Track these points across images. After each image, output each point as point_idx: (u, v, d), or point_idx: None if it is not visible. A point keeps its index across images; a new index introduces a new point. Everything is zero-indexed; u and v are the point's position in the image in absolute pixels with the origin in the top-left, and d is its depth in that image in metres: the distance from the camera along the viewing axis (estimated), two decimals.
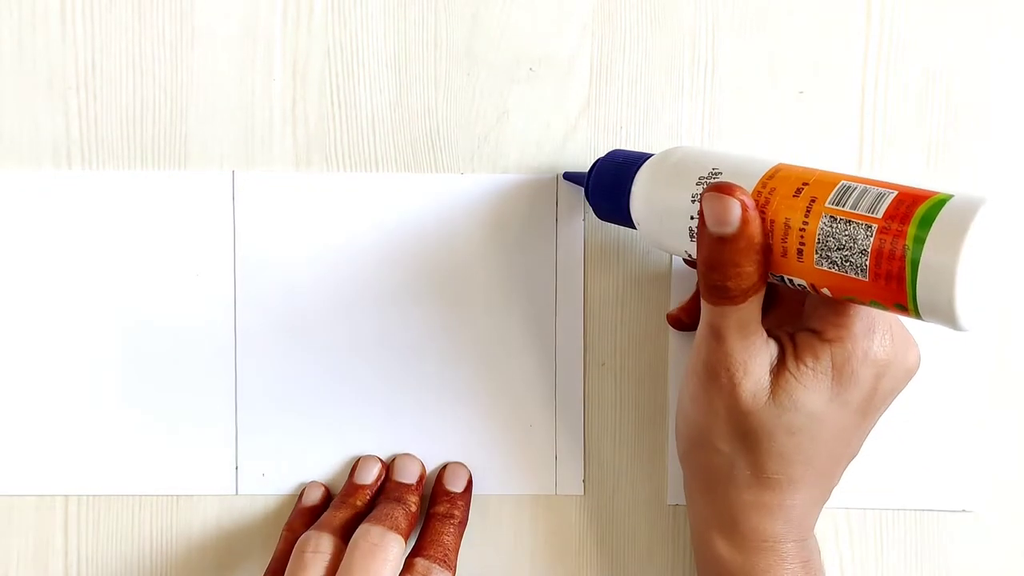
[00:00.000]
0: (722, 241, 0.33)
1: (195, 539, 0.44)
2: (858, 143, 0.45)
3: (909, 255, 0.29)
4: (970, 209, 0.28)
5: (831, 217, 0.31)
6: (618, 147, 0.44)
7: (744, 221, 0.32)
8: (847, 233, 0.30)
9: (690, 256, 0.36)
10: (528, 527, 0.45)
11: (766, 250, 0.33)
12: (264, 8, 0.44)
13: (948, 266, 0.28)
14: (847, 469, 0.38)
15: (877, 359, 0.34)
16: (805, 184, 0.32)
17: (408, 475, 0.43)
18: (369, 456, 0.44)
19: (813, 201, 0.32)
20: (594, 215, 0.42)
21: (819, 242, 0.31)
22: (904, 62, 0.45)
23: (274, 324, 0.44)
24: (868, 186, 0.31)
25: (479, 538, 0.44)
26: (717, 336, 0.34)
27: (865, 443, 0.38)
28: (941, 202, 0.29)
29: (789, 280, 0.33)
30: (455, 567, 0.40)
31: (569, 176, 0.43)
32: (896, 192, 0.30)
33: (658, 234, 0.38)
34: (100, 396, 0.44)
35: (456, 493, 0.43)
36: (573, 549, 0.45)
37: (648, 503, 0.45)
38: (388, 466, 0.44)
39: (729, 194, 0.32)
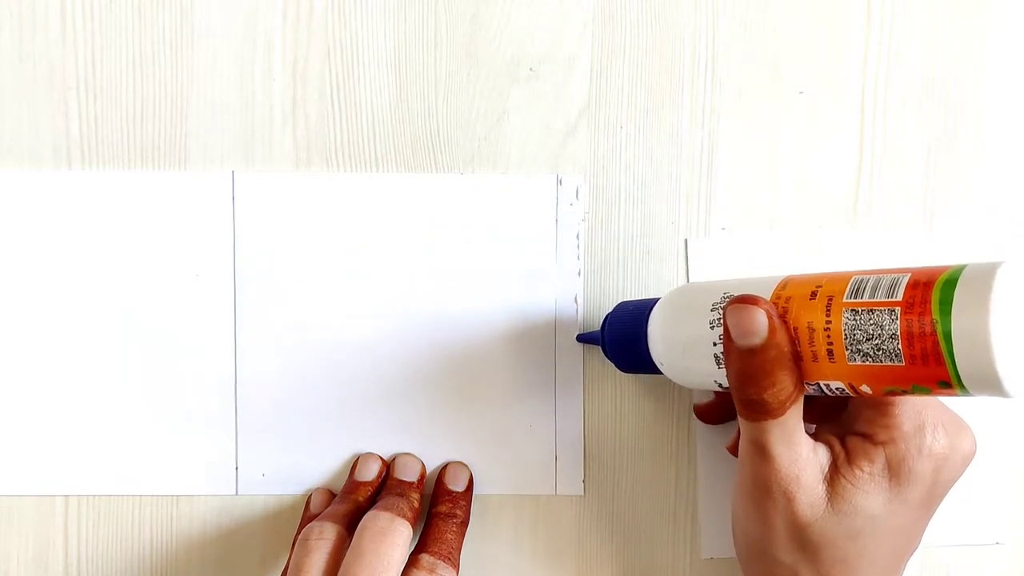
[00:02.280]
0: (752, 353, 0.32)
1: (195, 539, 0.44)
2: (858, 143, 0.45)
3: (939, 328, 0.28)
4: (988, 271, 0.28)
5: (852, 311, 0.31)
6: (618, 149, 0.44)
7: (771, 329, 0.32)
8: (872, 322, 0.30)
9: (721, 386, 0.36)
10: (528, 527, 0.45)
11: (797, 357, 0.32)
12: (264, 8, 0.44)
13: (981, 328, 0.27)
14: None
15: (933, 454, 0.34)
16: (818, 287, 0.32)
17: (409, 473, 0.43)
18: (369, 454, 0.44)
19: (831, 299, 0.32)
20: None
21: (847, 337, 0.31)
22: (904, 62, 0.45)
23: (274, 324, 0.44)
24: (881, 275, 0.31)
25: (480, 538, 0.44)
26: (762, 453, 0.34)
27: None
28: (957, 272, 0.29)
29: (826, 386, 0.33)
30: (458, 565, 0.40)
31: (583, 338, 0.43)
32: (909, 274, 0.30)
33: (684, 371, 0.37)
34: (100, 396, 0.44)
35: (458, 492, 0.43)
36: (573, 549, 0.45)
37: (648, 503, 0.45)
38: (389, 465, 0.44)
39: (753, 304, 0.32)
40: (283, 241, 0.44)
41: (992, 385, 0.28)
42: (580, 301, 0.44)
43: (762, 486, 0.34)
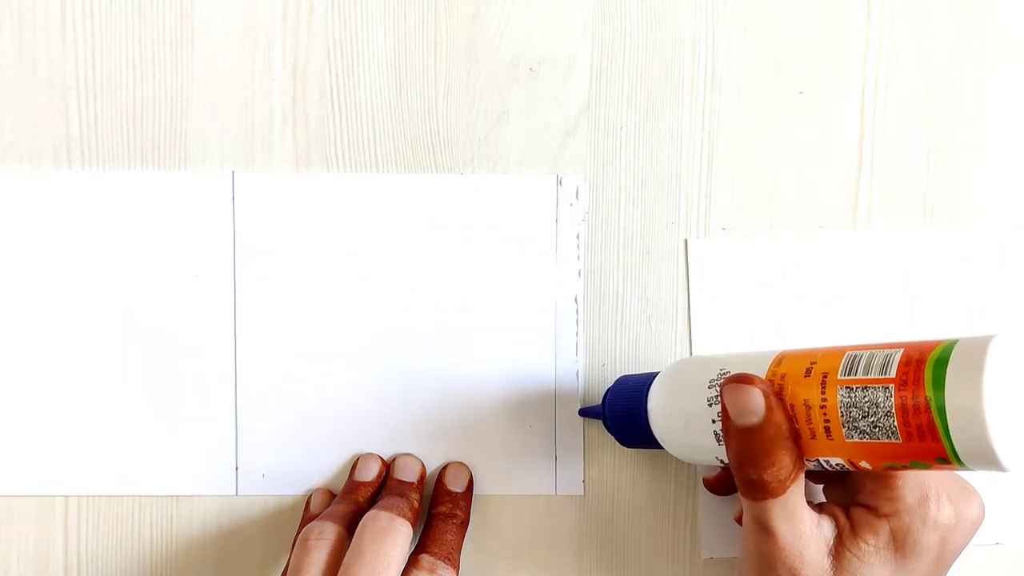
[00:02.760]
0: (750, 433, 0.32)
1: (195, 540, 0.44)
2: (858, 143, 0.45)
3: (934, 404, 0.28)
4: (980, 347, 0.28)
5: (847, 388, 0.31)
6: (618, 149, 0.44)
7: (768, 408, 0.32)
8: (867, 399, 0.30)
9: (722, 462, 0.36)
10: (528, 527, 0.45)
11: (795, 435, 0.33)
12: (264, 8, 0.44)
13: (975, 405, 0.27)
14: None
15: (939, 525, 0.34)
16: (813, 363, 0.32)
17: (409, 473, 0.43)
18: (369, 454, 0.44)
19: (825, 376, 0.32)
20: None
21: (843, 415, 0.31)
22: (904, 62, 0.45)
23: (274, 324, 0.44)
24: (874, 351, 0.31)
25: (479, 538, 0.44)
26: (765, 531, 0.34)
27: None
28: (949, 347, 0.29)
29: (826, 462, 0.33)
30: (458, 566, 0.40)
31: (585, 412, 0.43)
32: (902, 349, 0.30)
33: (685, 447, 0.37)
34: (100, 396, 0.44)
35: (458, 493, 0.43)
36: (573, 550, 0.45)
37: (648, 504, 0.45)
38: (389, 465, 0.44)
39: (749, 383, 0.32)
40: (283, 241, 0.44)
41: (989, 461, 0.28)
42: (580, 301, 0.44)
43: (766, 562, 0.34)
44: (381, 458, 0.44)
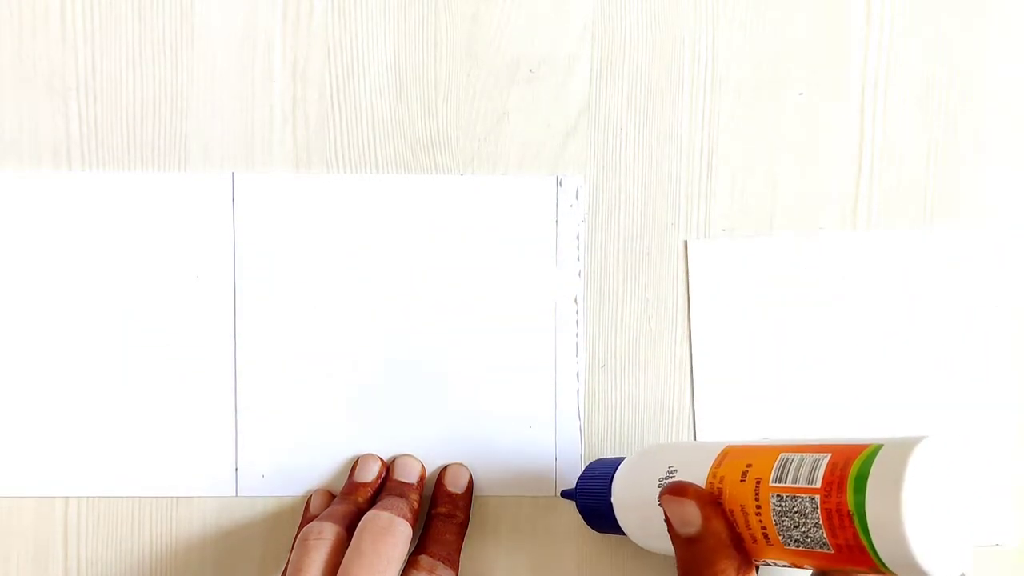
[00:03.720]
0: (691, 542, 0.32)
1: (195, 541, 0.44)
2: (858, 143, 0.45)
3: (856, 518, 0.28)
4: (902, 454, 0.27)
5: (778, 496, 0.30)
6: (618, 150, 0.44)
7: (704, 517, 0.32)
8: (796, 509, 0.30)
9: None
10: (528, 528, 0.45)
11: (737, 541, 0.32)
12: (264, 8, 0.44)
13: (893, 514, 0.27)
14: None
15: None
16: (749, 466, 0.32)
17: (409, 474, 0.43)
18: (369, 455, 0.44)
19: (759, 483, 0.31)
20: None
21: (776, 523, 0.31)
22: (904, 62, 0.45)
23: (274, 326, 0.44)
24: (804, 455, 0.30)
25: (479, 539, 0.44)
26: None
27: None
28: (873, 453, 0.28)
29: (774, 563, 0.32)
30: (458, 567, 0.40)
31: (565, 494, 0.43)
32: (829, 455, 0.30)
33: (645, 540, 0.37)
34: (100, 398, 0.44)
35: (457, 494, 0.43)
36: (573, 550, 0.45)
37: None
38: (389, 466, 0.44)
39: (683, 495, 0.32)
40: (283, 242, 0.44)
41: (914, 570, 0.27)
42: (580, 302, 0.44)
43: None
44: (381, 459, 0.44)
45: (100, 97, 0.44)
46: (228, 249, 0.44)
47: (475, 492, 0.44)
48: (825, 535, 0.29)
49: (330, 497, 0.44)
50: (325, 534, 0.38)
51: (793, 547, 0.30)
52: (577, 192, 0.44)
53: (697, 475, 0.34)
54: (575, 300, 0.44)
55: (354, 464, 0.44)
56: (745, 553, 0.32)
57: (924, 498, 0.27)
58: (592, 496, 0.40)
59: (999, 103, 0.45)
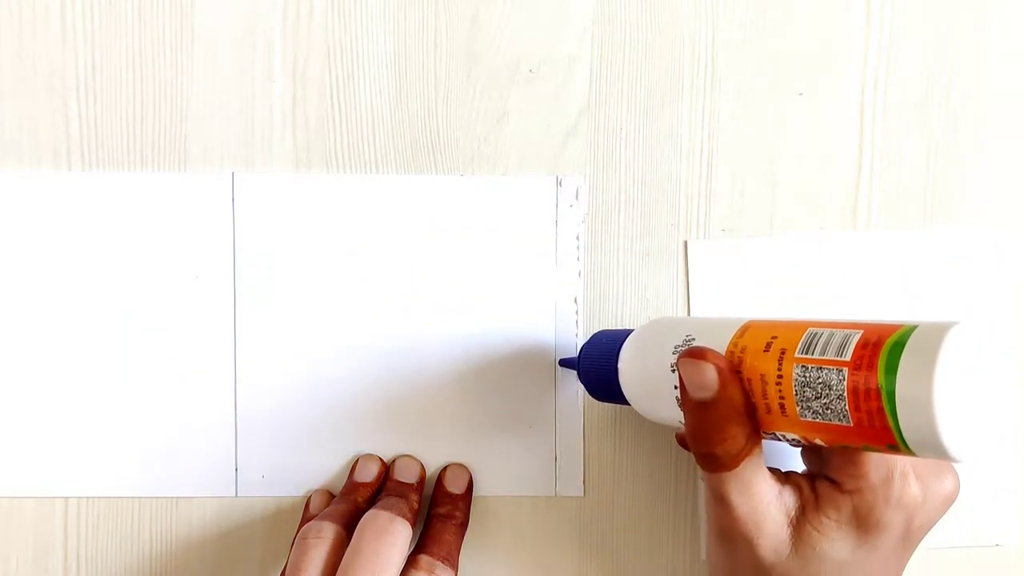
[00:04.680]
0: (704, 406, 0.32)
1: (195, 541, 0.44)
2: (858, 144, 0.45)
3: (884, 392, 0.28)
4: (937, 335, 0.28)
5: (803, 367, 0.30)
6: (617, 150, 0.44)
7: (722, 383, 0.32)
8: (820, 380, 0.30)
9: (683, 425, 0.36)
10: (528, 528, 0.45)
11: (750, 410, 0.32)
12: (264, 9, 0.44)
13: (925, 395, 0.27)
14: None
15: (903, 503, 0.33)
16: (774, 337, 0.32)
17: (408, 475, 0.43)
18: (369, 455, 0.44)
19: (783, 353, 0.31)
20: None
21: (797, 394, 0.31)
22: (904, 62, 0.45)
23: (274, 326, 0.44)
24: (834, 330, 0.30)
25: (479, 539, 0.44)
26: (721, 502, 0.34)
27: None
28: (907, 333, 0.28)
29: (783, 436, 0.32)
30: (457, 567, 0.40)
31: (564, 363, 0.43)
32: (861, 331, 0.30)
33: (650, 408, 0.37)
34: (99, 398, 0.44)
35: (457, 495, 0.43)
36: (573, 550, 0.45)
37: (648, 504, 0.45)
38: (388, 467, 0.44)
39: (702, 358, 0.32)
40: (283, 242, 0.44)
41: (938, 451, 0.28)
42: (580, 303, 0.44)
43: (725, 533, 0.34)
44: (381, 459, 0.44)
45: (100, 97, 0.44)
46: (228, 249, 0.44)
47: (475, 492, 0.44)
48: (847, 407, 0.29)
49: (330, 497, 0.44)
50: (324, 533, 0.38)
51: (809, 418, 0.30)
52: (577, 192, 0.44)
53: (717, 344, 0.33)
54: (575, 300, 0.44)
55: (354, 464, 0.44)
56: (756, 424, 0.33)
57: (955, 380, 0.27)
58: (598, 362, 0.40)
59: (999, 103, 0.45)
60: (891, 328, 0.29)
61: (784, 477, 0.35)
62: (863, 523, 0.33)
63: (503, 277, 0.44)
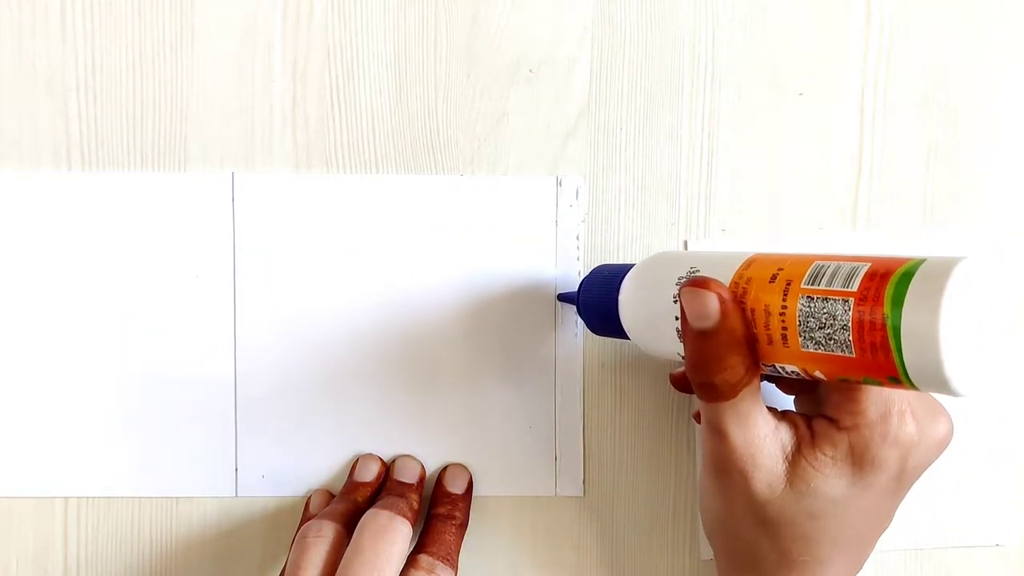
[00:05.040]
0: (704, 336, 0.33)
1: (195, 541, 0.44)
2: (858, 143, 0.45)
3: (889, 323, 0.28)
4: (945, 268, 0.28)
5: (808, 297, 0.31)
6: (617, 150, 0.44)
7: (723, 313, 0.32)
8: (826, 311, 0.30)
9: (683, 357, 0.36)
10: (528, 528, 0.45)
11: (751, 341, 0.32)
12: (264, 9, 0.44)
13: (930, 327, 0.27)
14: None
15: (899, 441, 0.33)
16: (780, 269, 0.32)
17: (408, 475, 0.43)
18: (369, 455, 0.44)
19: (789, 284, 0.31)
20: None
21: (800, 324, 0.31)
22: (903, 62, 0.45)
23: (274, 326, 0.44)
24: (841, 263, 0.31)
25: (479, 539, 0.44)
26: (718, 433, 0.34)
27: None
28: (915, 266, 0.29)
29: (781, 368, 0.33)
30: (457, 567, 0.40)
31: (563, 297, 0.43)
32: (869, 264, 0.30)
33: (649, 340, 0.37)
34: (99, 398, 0.44)
35: (457, 495, 0.43)
36: (573, 551, 0.45)
37: (648, 504, 0.45)
38: (388, 467, 0.44)
39: (704, 288, 0.32)
40: (283, 242, 0.44)
41: (940, 384, 0.28)
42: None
43: (720, 465, 0.34)
44: (381, 459, 0.44)
45: (100, 97, 0.44)
46: (228, 249, 0.44)
47: (475, 492, 0.44)
48: (851, 338, 0.29)
49: (330, 497, 0.44)
50: (324, 532, 0.38)
51: (811, 349, 0.31)
52: (577, 192, 0.44)
53: (722, 276, 0.33)
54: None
55: (354, 464, 0.44)
56: (756, 355, 0.33)
57: (961, 313, 0.27)
58: (598, 294, 0.40)
59: (999, 103, 0.45)
60: (899, 261, 0.29)
61: (781, 415, 0.35)
62: (859, 460, 0.33)
63: (503, 277, 0.44)
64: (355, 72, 0.44)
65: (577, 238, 0.44)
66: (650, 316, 0.37)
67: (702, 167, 0.44)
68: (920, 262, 0.29)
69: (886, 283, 0.29)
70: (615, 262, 0.43)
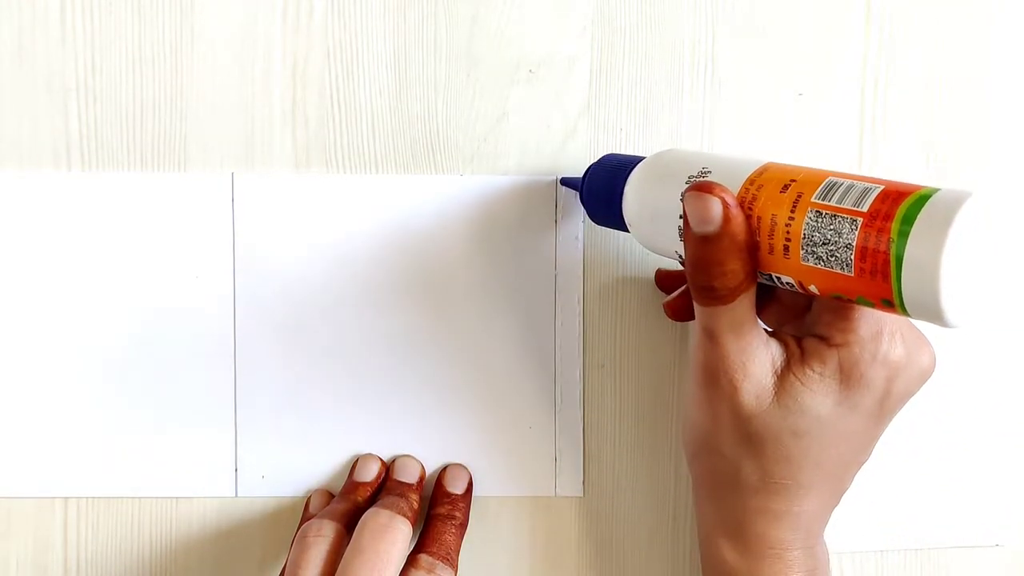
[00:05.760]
0: (706, 240, 0.33)
1: (194, 541, 0.44)
2: (858, 143, 0.45)
3: (893, 249, 0.28)
4: (955, 203, 0.28)
5: (817, 212, 0.31)
6: (617, 150, 0.44)
7: (726, 219, 0.32)
8: (832, 227, 0.30)
9: (681, 257, 0.36)
10: (528, 529, 0.45)
11: (752, 248, 0.33)
12: (264, 9, 0.44)
13: (932, 260, 0.28)
14: (858, 474, 0.37)
15: (888, 362, 0.34)
16: (792, 181, 0.32)
17: (408, 475, 0.43)
18: (369, 455, 0.44)
19: (799, 196, 0.31)
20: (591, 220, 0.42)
21: (804, 237, 0.31)
22: (904, 62, 0.45)
23: (274, 326, 0.44)
24: (855, 182, 0.31)
25: (479, 540, 0.44)
26: (711, 338, 0.34)
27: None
28: (926, 196, 0.29)
29: (777, 278, 0.33)
30: (457, 566, 0.40)
31: (566, 181, 0.43)
32: (882, 187, 0.30)
33: (650, 236, 0.37)
34: (99, 398, 0.44)
35: (457, 495, 0.43)
36: (572, 551, 0.45)
37: (648, 505, 0.45)
38: (388, 466, 0.44)
39: (709, 192, 0.32)
40: (283, 242, 0.44)
41: (934, 314, 0.28)
42: (580, 302, 0.44)
43: (710, 373, 0.35)
44: (381, 459, 0.44)
45: (100, 97, 0.44)
46: (228, 249, 0.44)
47: (475, 492, 0.44)
48: (853, 256, 0.29)
49: (330, 497, 0.44)
50: (324, 531, 0.38)
51: (811, 263, 0.31)
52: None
53: (733, 180, 0.33)
54: (575, 300, 0.44)
55: (354, 464, 0.44)
56: (756, 262, 0.33)
57: (965, 246, 0.28)
58: (604, 183, 0.39)
59: (999, 103, 0.45)
60: (911, 189, 0.29)
61: (772, 333, 0.35)
62: (847, 377, 0.34)
63: (503, 277, 0.44)
64: (355, 72, 0.44)
65: (577, 238, 0.44)
66: (654, 213, 0.36)
67: None
68: (932, 192, 0.29)
69: (897, 207, 0.29)
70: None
